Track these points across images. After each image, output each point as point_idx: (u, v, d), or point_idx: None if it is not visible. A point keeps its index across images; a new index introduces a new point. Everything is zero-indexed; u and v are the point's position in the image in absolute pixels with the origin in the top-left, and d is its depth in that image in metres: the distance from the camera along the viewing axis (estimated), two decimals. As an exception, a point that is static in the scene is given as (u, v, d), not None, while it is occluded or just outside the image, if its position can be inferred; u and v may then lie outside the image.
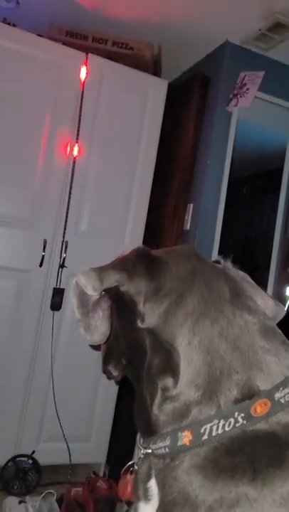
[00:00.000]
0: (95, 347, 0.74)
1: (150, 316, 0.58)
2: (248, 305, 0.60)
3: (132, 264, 0.61)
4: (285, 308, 0.72)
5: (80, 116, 2.06)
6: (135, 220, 2.18)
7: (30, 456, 1.98)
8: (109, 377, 0.73)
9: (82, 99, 2.06)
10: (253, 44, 2.33)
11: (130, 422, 2.05)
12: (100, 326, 0.64)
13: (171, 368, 0.55)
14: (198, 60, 2.57)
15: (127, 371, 0.69)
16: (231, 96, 2.30)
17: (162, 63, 2.43)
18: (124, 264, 0.61)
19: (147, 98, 2.20)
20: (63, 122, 2.05)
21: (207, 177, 2.31)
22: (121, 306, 0.62)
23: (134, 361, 0.62)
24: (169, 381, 0.55)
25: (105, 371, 0.73)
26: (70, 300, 2.00)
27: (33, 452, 1.99)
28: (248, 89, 2.24)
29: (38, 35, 2.09)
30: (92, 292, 0.59)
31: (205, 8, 2.09)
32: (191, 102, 2.44)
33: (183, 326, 0.56)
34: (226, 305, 0.58)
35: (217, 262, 0.69)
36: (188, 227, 2.35)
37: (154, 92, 2.22)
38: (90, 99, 2.08)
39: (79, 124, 2.06)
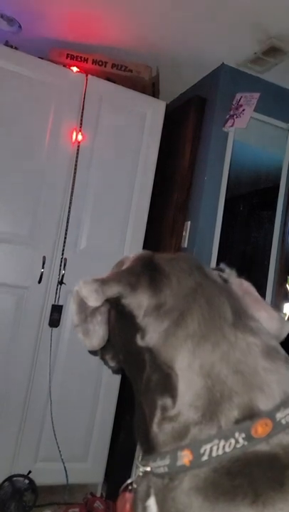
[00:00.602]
0: (94, 352, 0.73)
1: (150, 332, 0.57)
2: (250, 326, 0.58)
3: (135, 277, 0.60)
4: None
5: (79, 132, 2.10)
6: (133, 237, 2.20)
7: (26, 476, 1.95)
8: (107, 365, 0.73)
9: (81, 119, 2.11)
10: (249, 67, 2.40)
11: (128, 441, 2.03)
12: (99, 330, 0.63)
13: (169, 388, 0.54)
14: (195, 82, 2.63)
15: (124, 367, 0.68)
16: (227, 117, 2.36)
17: (160, 85, 2.49)
18: (128, 277, 0.60)
19: (146, 119, 2.25)
20: (63, 141, 2.09)
21: (204, 195, 2.35)
22: (121, 314, 0.61)
23: (132, 365, 0.62)
24: (167, 401, 0.54)
25: (103, 359, 0.73)
26: (69, 314, 2.03)
27: (30, 472, 1.96)
28: (243, 110, 2.29)
29: (39, 57, 2.15)
30: (94, 304, 0.58)
31: (201, 32, 2.16)
32: (188, 122, 2.49)
33: (183, 348, 0.55)
34: (228, 327, 0.57)
35: (221, 269, 0.68)
36: (186, 245, 2.37)
37: (152, 112, 2.27)
38: (89, 119, 2.12)
39: (79, 143, 2.10)
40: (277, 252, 2.48)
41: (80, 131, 2.10)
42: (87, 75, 2.14)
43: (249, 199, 2.71)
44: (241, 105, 2.31)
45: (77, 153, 2.09)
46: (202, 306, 0.58)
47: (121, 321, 0.63)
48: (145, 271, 0.61)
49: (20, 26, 2.31)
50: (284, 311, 2.48)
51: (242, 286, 0.68)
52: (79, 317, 0.63)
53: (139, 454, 0.62)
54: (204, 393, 0.52)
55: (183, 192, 2.44)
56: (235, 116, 2.31)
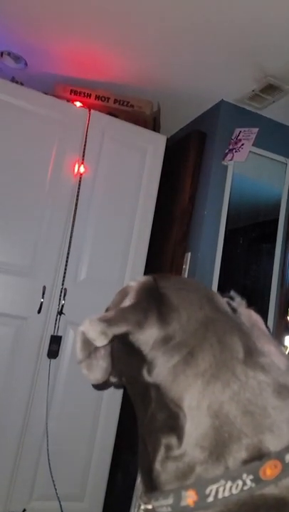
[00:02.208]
0: (98, 386, 0.71)
1: (158, 367, 0.55)
2: (261, 364, 0.56)
3: (143, 313, 0.58)
4: None
5: (81, 165, 2.14)
6: (134, 268, 2.21)
7: (20, 516, 1.88)
8: (110, 384, 0.69)
9: (84, 153, 2.15)
10: (247, 103, 2.47)
11: (126, 481, 1.97)
12: (103, 364, 0.62)
13: (175, 428, 0.52)
14: (195, 117, 2.70)
15: (128, 389, 0.65)
16: (227, 151, 2.41)
17: (161, 120, 2.56)
18: (136, 315, 0.58)
19: (146, 152, 2.30)
20: (66, 174, 2.12)
21: (204, 227, 2.37)
22: (126, 347, 0.59)
23: (136, 395, 0.59)
24: (172, 440, 0.52)
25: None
26: (68, 345, 2.00)
27: (24, 510, 1.89)
28: (242, 144, 2.34)
29: (44, 93, 2.21)
30: (101, 345, 0.56)
31: (201, 70, 2.23)
32: (188, 156, 2.54)
33: (192, 387, 0.53)
34: (239, 366, 0.55)
35: (231, 297, 0.67)
36: (186, 276, 2.37)
37: (153, 146, 2.32)
38: (91, 153, 2.17)
39: (81, 176, 2.14)
40: (278, 284, 2.48)
41: (82, 164, 2.14)
42: (90, 110, 2.20)
43: (249, 232, 2.73)
44: (240, 140, 2.36)
45: (79, 186, 2.13)
46: (213, 345, 0.56)
47: (126, 353, 0.61)
48: (152, 305, 0.59)
49: (26, 63, 2.39)
50: (285, 344, 2.46)
51: (251, 318, 0.66)
52: (83, 353, 0.61)
53: (140, 491, 0.60)
54: (211, 433, 0.51)
55: (183, 225, 2.47)
56: (234, 151, 2.36)
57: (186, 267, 2.39)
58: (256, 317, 0.67)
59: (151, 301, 0.60)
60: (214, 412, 0.51)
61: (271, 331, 2.41)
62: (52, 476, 1.92)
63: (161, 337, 0.56)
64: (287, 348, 2.41)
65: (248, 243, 2.71)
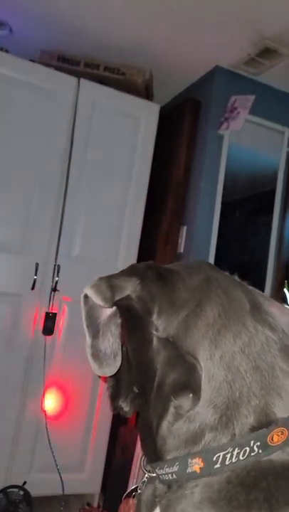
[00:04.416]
0: (103, 378, 0.67)
1: (168, 325, 0.54)
2: (268, 320, 0.56)
3: (142, 271, 0.57)
4: None
5: (72, 140, 2.07)
6: (128, 243, 2.17)
7: (21, 487, 1.91)
8: (121, 413, 0.66)
9: (74, 124, 2.08)
10: (243, 69, 2.37)
11: (125, 450, 2.00)
12: (110, 355, 0.58)
13: (191, 383, 0.51)
14: (189, 85, 2.61)
15: (137, 401, 0.62)
16: (222, 119, 2.33)
17: (153, 88, 2.47)
18: (135, 271, 0.57)
19: (139, 122, 2.22)
20: (55, 147, 2.05)
21: (200, 200, 2.32)
22: (133, 322, 0.57)
23: (145, 387, 0.57)
24: (186, 399, 0.50)
25: (115, 408, 0.66)
26: (63, 322, 1.99)
27: (25, 483, 1.93)
28: (238, 112, 2.27)
29: (31, 60, 2.12)
30: (103, 303, 0.54)
31: (195, 34, 2.13)
32: (182, 126, 2.46)
33: (204, 339, 0.52)
34: (248, 318, 0.54)
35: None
36: (182, 250, 2.35)
37: (146, 116, 2.24)
38: (82, 123, 2.09)
39: (71, 148, 2.07)
40: (275, 256, 2.46)
41: (72, 136, 2.07)
42: (79, 79, 2.11)
43: (245, 204, 2.69)
44: (236, 108, 2.28)
45: (70, 159, 2.06)
46: (220, 296, 0.55)
47: (134, 329, 0.58)
48: (150, 267, 0.58)
49: (11, 30, 2.28)
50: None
51: (249, 287, 0.66)
52: (90, 331, 0.58)
53: (143, 459, 0.60)
54: (224, 389, 0.50)
55: (178, 196, 2.42)
56: (230, 119, 2.29)
57: (182, 240, 2.35)
58: (253, 288, 0.66)
59: (150, 266, 0.59)
60: (226, 364, 0.51)
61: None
62: (51, 449, 1.95)
63: (166, 298, 0.55)
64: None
65: (244, 215, 2.67)
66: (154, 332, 0.55)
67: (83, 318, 0.58)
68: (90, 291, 0.55)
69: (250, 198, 2.68)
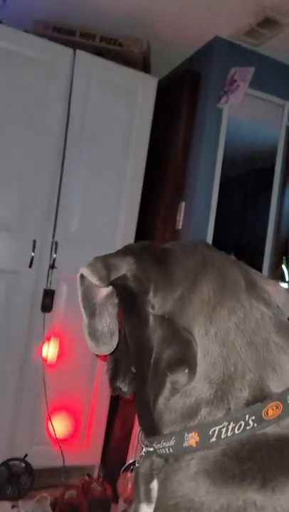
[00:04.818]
0: (100, 357, 0.68)
1: (163, 303, 0.54)
2: (263, 296, 0.57)
3: (138, 250, 0.58)
4: None
5: (68, 114, 2.03)
6: (126, 220, 2.16)
7: (22, 460, 1.95)
8: (120, 394, 0.68)
9: (70, 97, 2.03)
10: (243, 39, 2.31)
11: (124, 423, 2.03)
12: (107, 334, 0.60)
13: (187, 358, 0.52)
14: (188, 57, 2.54)
15: (135, 381, 0.64)
16: (222, 93, 2.28)
17: (151, 61, 2.40)
18: (130, 251, 0.58)
19: (137, 96, 2.17)
20: (51, 120, 2.01)
21: (199, 175, 2.29)
22: (129, 302, 0.58)
23: (142, 365, 0.58)
24: (182, 374, 0.51)
25: (114, 389, 0.68)
26: (62, 299, 2.00)
27: (26, 455, 1.97)
28: (238, 85, 2.22)
29: (25, 31, 2.05)
30: (99, 282, 0.55)
31: (194, 3, 2.06)
32: (181, 99, 2.41)
33: (200, 315, 0.53)
34: (243, 294, 0.55)
35: None
36: (180, 227, 2.33)
37: (143, 89, 2.19)
38: (78, 96, 2.05)
39: (67, 123, 2.03)
40: (274, 233, 2.45)
41: (68, 111, 2.02)
42: (75, 50, 2.05)
43: (244, 180, 2.66)
44: (236, 80, 2.23)
45: (66, 134, 2.03)
46: (214, 274, 0.56)
47: (131, 309, 0.59)
48: (145, 247, 0.59)
49: (4, 0, 2.19)
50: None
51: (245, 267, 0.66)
52: (87, 312, 0.59)
53: (141, 434, 0.61)
54: (219, 364, 0.51)
55: (177, 173, 2.38)
56: (229, 92, 2.24)
57: (180, 217, 2.34)
58: (248, 267, 0.66)
59: (144, 245, 0.59)
60: (221, 340, 0.52)
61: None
62: (51, 423, 1.98)
63: (162, 276, 0.56)
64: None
65: (243, 192, 2.64)
66: (150, 310, 0.55)
67: (80, 298, 0.59)
68: (85, 271, 0.55)
69: (249, 174, 2.65)
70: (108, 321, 0.60)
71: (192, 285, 0.55)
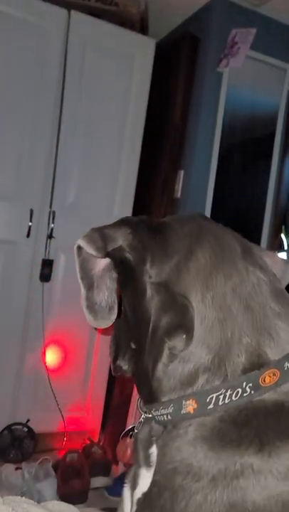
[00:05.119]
0: (100, 330, 0.69)
1: (161, 271, 0.55)
2: (259, 263, 0.58)
3: (133, 222, 0.58)
4: None
5: (63, 79, 1.97)
6: (124, 189, 2.13)
7: (25, 425, 2.00)
8: (121, 373, 0.69)
9: (65, 61, 1.97)
10: (244, -1, 2.21)
11: (123, 388, 2.06)
12: (105, 308, 0.60)
13: (184, 323, 0.52)
14: (186, 18, 2.44)
15: (134, 358, 0.64)
16: (222, 56, 2.21)
17: (148, 23, 2.31)
18: (126, 222, 0.58)
19: (134, 60, 2.10)
20: (46, 86, 1.96)
21: (198, 143, 2.25)
22: (127, 274, 0.58)
23: (141, 338, 0.58)
24: (180, 339, 0.52)
25: (116, 368, 0.68)
26: (60, 269, 2.00)
27: (28, 421, 2.02)
28: (238, 48, 2.14)
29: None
30: (96, 253, 0.55)
31: None
32: (179, 63, 2.33)
33: (196, 281, 0.53)
34: (239, 260, 0.56)
35: None
36: (178, 196, 2.31)
37: (141, 52, 2.12)
38: (73, 60, 1.98)
39: (63, 88, 1.97)
40: (273, 202, 2.42)
41: (64, 77, 1.96)
42: (69, 11, 1.97)
43: (244, 148, 2.61)
44: (236, 42, 2.16)
45: (62, 101, 1.97)
46: (211, 241, 0.57)
47: (128, 280, 0.59)
48: (141, 220, 0.59)
49: None
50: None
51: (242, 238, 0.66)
52: (84, 284, 0.59)
53: (140, 401, 0.62)
54: (216, 328, 0.52)
55: (175, 141, 2.33)
56: (229, 56, 2.16)
57: (179, 186, 2.31)
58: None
59: (139, 218, 0.60)
60: (218, 304, 0.52)
61: (265, 248, 2.42)
62: (52, 390, 2.02)
63: (158, 246, 0.56)
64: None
65: (242, 160, 2.60)
66: (148, 279, 0.55)
67: (77, 269, 0.59)
68: (82, 242, 0.55)
69: (248, 142, 2.60)
70: (106, 294, 0.60)
71: (188, 252, 0.55)
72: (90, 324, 0.61)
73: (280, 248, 2.44)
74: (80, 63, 2.00)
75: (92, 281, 0.59)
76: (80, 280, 0.59)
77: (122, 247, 0.56)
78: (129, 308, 0.61)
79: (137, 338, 0.60)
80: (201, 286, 0.53)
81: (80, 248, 0.57)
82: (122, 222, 0.58)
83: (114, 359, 0.68)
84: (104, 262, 0.60)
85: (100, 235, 0.55)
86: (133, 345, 0.62)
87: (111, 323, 0.61)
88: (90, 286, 0.59)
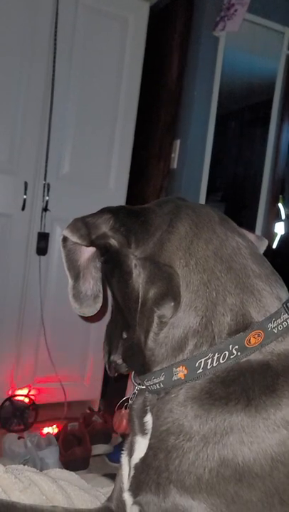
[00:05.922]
0: (86, 318, 0.71)
1: (145, 248, 0.58)
2: (237, 230, 0.61)
3: (114, 209, 0.60)
4: (275, 245, 0.70)
5: (55, 46, 1.90)
6: (119, 160, 2.10)
7: (26, 395, 2.04)
8: (116, 369, 0.70)
9: (56, 26, 1.89)
10: None
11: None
12: (90, 296, 0.63)
13: (171, 291, 0.54)
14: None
15: (125, 346, 0.65)
16: (218, 19, 2.13)
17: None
18: (107, 209, 0.60)
19: (128, 23, 2.03)
20: (37, 52, 1.89)
21: (194, 110, 2.20)
22: (113, 260, 0.60)
23: (131, 316, 0.60)
24: (168, 307, 0.54)
25: (110, 366, 0.70)
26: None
27: (29, 391, 2.05)
28: (236, 10, 2.06)
29: None
30: (80, 241, 0.57)
31: None
32: (174, 27, 2.25)
33: (178, 250, 0.56)
34: (217, 227, 0.59)
35: None
36: (175, 166, 2.27)
37: (134, 16, 2.05)
38: (65, 26, 1.91)
39: (54, 55, 1.91)
40: (270, 170, 2.39)
41: (55, 43, 1.89)
42: (58, -29, 1.88)
43: (241, 115, 2.56)
44: (233, 4, 2.07)
45: (54, 68, 1.91)
46: (189, 213, 0.59)
47: (115, 264, 0.61)
48: (122, 207, 0.62)
49: None
50: (275, 231, 2.46)
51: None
52: (71, 274, 0.62)
53: (133, 374, 0.64)
54: (202, 290, 0.54)
55: (171, 109, 2.28)
56: (226, 18, 2.09)
57: (175, 155, 2.27)
58: None
59: (121, 206, 0.62)
60: (202, 267, 0.55)
61: (262, 217, 2.40)
62: (52, 362, 2.04)
63: (138, 224, 0.59)
64: (276, 234, 2.42)
65: (240, 127, 2.55)
66: (133, 258, 0.58)
67: (64, 261, 0.61)
68: (66, 231, 0.58)
69: (246, 109, 2.54)
70: (92, 283, 0.63)
71: (169, 226, 0.58)
72: (76, 312, 0.63)
73: (278, 218, 2.43)
74: (73, 27, 1.93)
75: (79, 272, 0.62)
76: (66, 271, 0.62)
77: (106, 234, 0.58)
78: (119, 294, 0.63)
79: (128, 320, 0.61)
80: (183, 253, 0.56)
81: (65, 240, 0.60)
82: (104, 210, 0.60)
83: (109, 356, 0.70)
84: (89, 252, 0.62)
85: (84, 223, 0.57)
86: (124, 335, 0.64)
87: (96, 312, 0.64)
88: (76, 276, 0.62)
